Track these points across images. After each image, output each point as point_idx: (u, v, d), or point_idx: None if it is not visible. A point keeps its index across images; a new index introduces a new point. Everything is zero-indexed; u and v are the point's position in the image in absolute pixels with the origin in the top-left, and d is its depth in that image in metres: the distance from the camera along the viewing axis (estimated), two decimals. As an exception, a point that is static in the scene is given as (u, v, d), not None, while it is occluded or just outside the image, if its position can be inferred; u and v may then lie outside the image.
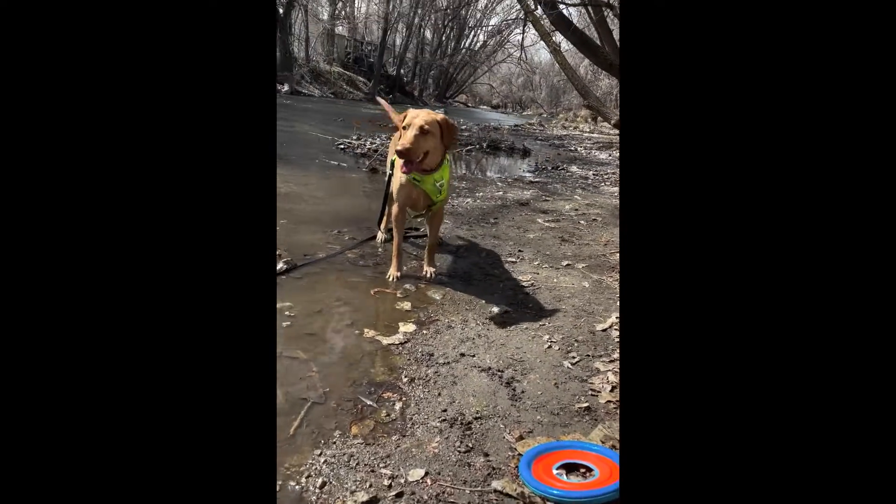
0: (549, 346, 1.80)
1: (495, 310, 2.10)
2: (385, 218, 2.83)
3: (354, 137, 6.98)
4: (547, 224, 3.64)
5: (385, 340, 1.78)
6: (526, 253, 2.93)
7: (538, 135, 14.05)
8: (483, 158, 8.09)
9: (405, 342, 1.78)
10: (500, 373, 1.61)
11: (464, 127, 12.26)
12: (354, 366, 1.60)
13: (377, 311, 2.05)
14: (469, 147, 8.37)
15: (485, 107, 39.78)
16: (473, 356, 1.71)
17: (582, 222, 3.77)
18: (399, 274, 2.36)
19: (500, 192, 4.76)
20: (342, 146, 6.47)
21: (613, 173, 6.84)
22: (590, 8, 11.86)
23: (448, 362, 1.67)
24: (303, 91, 19.85)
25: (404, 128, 2.10)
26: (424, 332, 1.88)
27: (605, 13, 11.68)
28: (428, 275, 2.41)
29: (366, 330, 1.83)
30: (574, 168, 7.23)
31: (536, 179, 5.89)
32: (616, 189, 5.52)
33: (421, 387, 1.52)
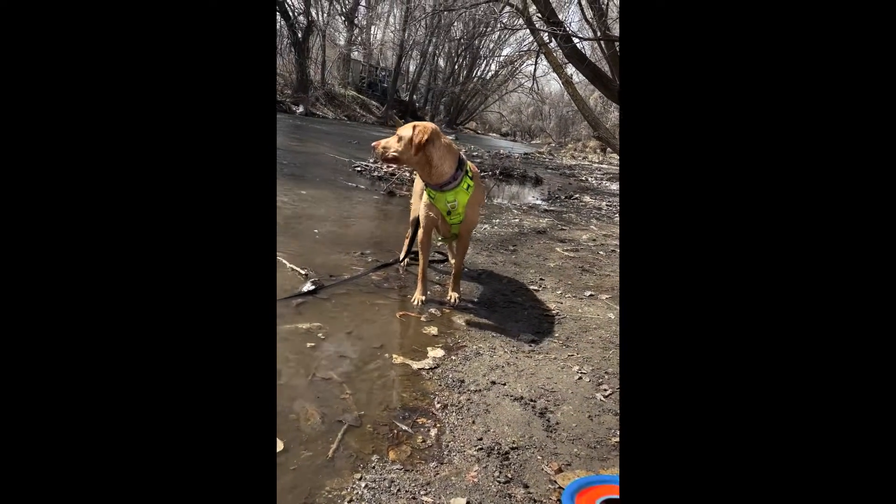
0: (580, 378, 1.79)
1: (523, 337, 2.10)
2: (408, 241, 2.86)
3: (371, 161, 7.08)
4: (566, 253, 3.66)
5: (415, 365, 1.78)
6: (548, 281, 2.94)
7: (548, 164, 14.20)
8: (495, 185, 8.17)
9: (435, 367, 1.78)
10: (532, 403, 1.60)
11: (475, 154, 12.44)
12: (387, 389, 1.60)
13: (405, 335, 2.05)
14: (482, 174, 8.46)
15: (494, 134, 40.32)
16: (504, 384, 1.71)
17: (601, 252, 3.78)
18: (424, 298, 2.37)
19: (517, 220, 4.80)
20: (359, 168, 6.57)
21: (626, 204, 6.87)
22: (602, 42, 12.16)
23: (479, 389, 1.66)
24: (317, 113, 20.24)
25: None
26: (453, 357, 1.88)
27: (617, 47, 11.96)
28: (452, 300, 2.41)
29: (394, 356, 1.83)
30: (587, 198, 7.28)
31: (551, 208, 5.93)
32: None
33: (455, 413, 1.51)
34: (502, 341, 2.05)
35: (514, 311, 2.42)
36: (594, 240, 4.24)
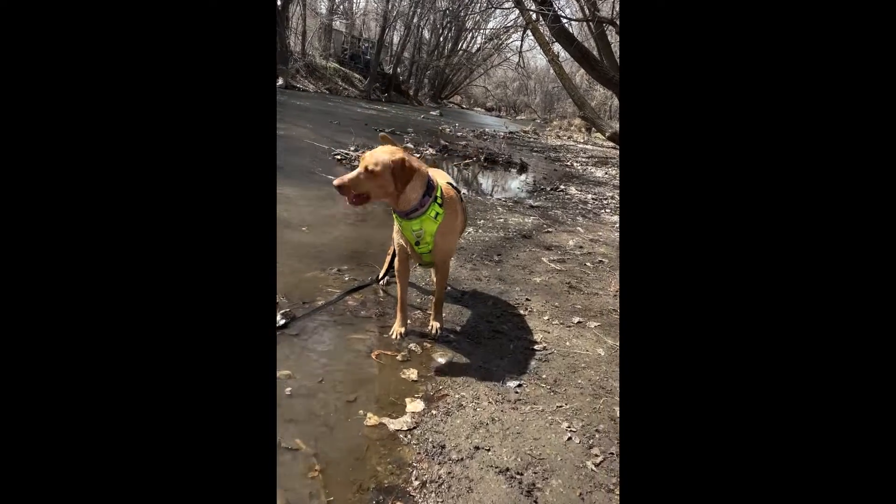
0: (570, 438, 1.67)
1: (508, 384, 1.96)
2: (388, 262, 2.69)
3: (352, 148, 6.80)
4: (553, 265, 3.52)
5: (392, 425, 1.63)
6: (534, 302, 2.80)
7: (533, 145, 13.98)
8: (480, 173, 7.98)
9: (413, 427, 1.64)
10: (519, 476, 1.48)
11: (460, 134, 12.15)
12: (360, 462, 1.45)
13: (382, 382, 1.90)
14: (467, 161, 8.25)
15: (479, 109, 39.72)
16: (489, 450, 1.57)
17: (588, 264, 3.65)
18: (403, 330, 2.22)
19: (502, 219, 4.64)
20: (339, 157, 6.29)
21: (612, 197, 6.76)
22: (590, 23, 11.83)
23: (462, 458, 1.53)
24: (297, 86, 19.52)
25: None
26: (434, 412, 1.74)
27: (606, 28, 11.64)
28: (433, 331, 2.26)
29: (369, 414, 1.68)
30: (573, 190, 7.14)
31: (536, 203, 5.78)
32: (616, 218, 5.43)
33: (434, 494, 1.38)
34: (487, 388, 1.92)
35: (500, 345, 2.28)
36: (581, 246, 4.11)
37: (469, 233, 4.01)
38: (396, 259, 2.21)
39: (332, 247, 3.20)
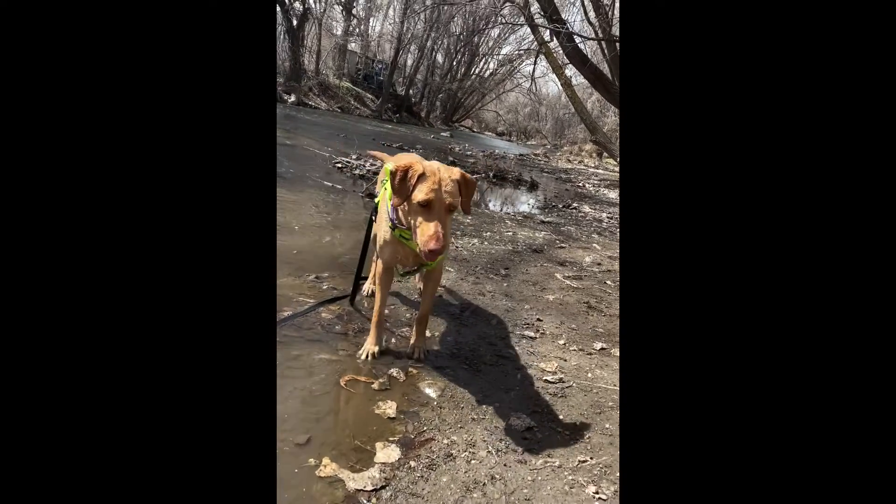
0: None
1: (515, 424, 1.50)
2: (369, 275, 2.26)
3: (354, 157, 6.46)
4: (568, 282, 3.07)
5: (351, 483, 1.17)
6: (547, 324, 2.35)
7: (544, 167, 13.66)
8: (489, 188, 7.59)
9: (381, 486, 1.18)
10: (527, 571, 1.01)
11: (469, 153, 11.84)
12: (296, 541, 1.00)
13: (347, 418, 1.44)
14: (476, 176, 7.86)
15: (490, 133, 39.73)
16: (485, 526, 1.11)
17: (608, 282, 3.20)
18: (377, 349, 1.77)
19: (510, 233, 4.21)
20: (340, 165, 5.94)
21: (629, 217, 6.32)
22: (604, 44, 11.62)
23: (445, 538, 1.06)
24: (310, 103, 19.46)
25: (423, 204, 1.41)
26: (412, 464, 1.27)
27: (619, 49, 11.42)
28: (415, 354, 1.81)
29: (324, 461, 1.23)
30: (586, 208, 6.71)
31: (548, 219, 5.35)
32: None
33: None
34: (486, 430, 1.46)
35: (504, 374, 1.82)
36: (599, 264, 3.66)
37: (473, 244, 3.58)
38: (380, 266, 1.78)
39: (313, 252, 2.77)
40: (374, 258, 2.28)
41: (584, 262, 3.64)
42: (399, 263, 1.75)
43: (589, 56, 12.78)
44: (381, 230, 1.71)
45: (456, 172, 1.48)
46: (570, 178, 11.39)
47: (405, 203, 1.48)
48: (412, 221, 1.47)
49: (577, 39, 11.41)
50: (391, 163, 1.78)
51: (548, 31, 11.91)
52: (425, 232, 1.40)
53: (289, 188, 4.25)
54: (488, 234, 4.03)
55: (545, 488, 1.25)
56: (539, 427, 1.51)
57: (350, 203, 4.23)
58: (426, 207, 1.41)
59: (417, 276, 2.33)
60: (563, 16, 11.38)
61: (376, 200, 1.91)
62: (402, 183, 1.44)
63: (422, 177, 1.42)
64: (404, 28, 25.93)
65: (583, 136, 25.37)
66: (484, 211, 5.24)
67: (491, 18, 21.75)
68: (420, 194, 1.41)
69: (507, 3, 13.67)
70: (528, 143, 35.34)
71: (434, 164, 1.47)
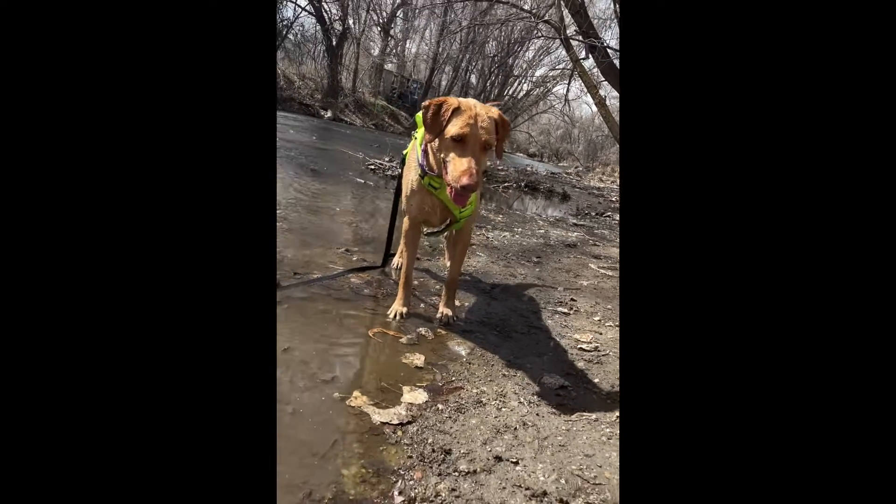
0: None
1: (547, 382, 1.43)
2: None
3: (386, 159, 6.53)
4: (602, 271, 2.97)
5: (377, 416, 1.13)
6: (581, 303, 2.26)
7: (576, 183, 13.51)
8: (520, 197, 7.53)
9: (408, 422, 1.13)
10: (563, 505, 0.93)
11: (500, 167, 11.83)
12: (321, 460, 0.95)
13: (375, 364, 1.40)
14: (506, 184, 7.83)
15: (521, 154, 39.73)
16: (516, 463, 1.04)
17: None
18: (406, 310, 1.73)
19: (542, 230, 4.13)
20: (373, 167, 6.01)
21: (665, 227, 6.15)
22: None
23: (475, 471, 1.00)
24: (345, 119, 19.93)
25: (456, 139, 1.35)
26: (440, 406, 1.22)
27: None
28: (443, 318, 1.75)
29: (354, 394, 1.19)
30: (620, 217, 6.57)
31: (581, 223, 5.24)
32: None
33: (424, 519, 0.86)
34: (517, 385, 1.39)
35: (536, 341, 1.75)
36: (635, 260, 3.55)
37: (504, 237, 3.53)
38: (408, 224, 1.74)
39: (343, 231, 2.78)
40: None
41: (618, 257, 3.53)
42: (426, 219, 1.71)
43: (624, 72, 12.71)
44: (408, 178, 1.68)
45: (494, 111, 1.44)
46: (602, 193, 11.21)
47: (437, 140, 1.41)
48: (443, 158, 1.40)
49: (612, 54, 11.39)
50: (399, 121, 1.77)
51: (582, 50, 11.95)
52: (458, 167, 1.33)
53: (325, 181, 4.31)
54: (520, 229, 3.97)
55: (581, 437, 1.17)
56: (573, 387, 1.43)
57: (382, 197, 4.25)
58: (460, 142, 1.35)
59: (445, 244, 2.30)
60: (598, 33, 11.40)
61: (405, 152, 1.89)
62: (436, 117, 1.39)
63: (457, 111, 1.37)
64: (440, 49, 26.49)
65: (615, 158, 25.07)
66: (514, 212, 5.18)
67: (526, 40, 22.00)
68: (454, 128, 1.35)
69: (543, 22, 13.81)
70: (560, 164, 35.17)
71: (470, 100, 1.42)
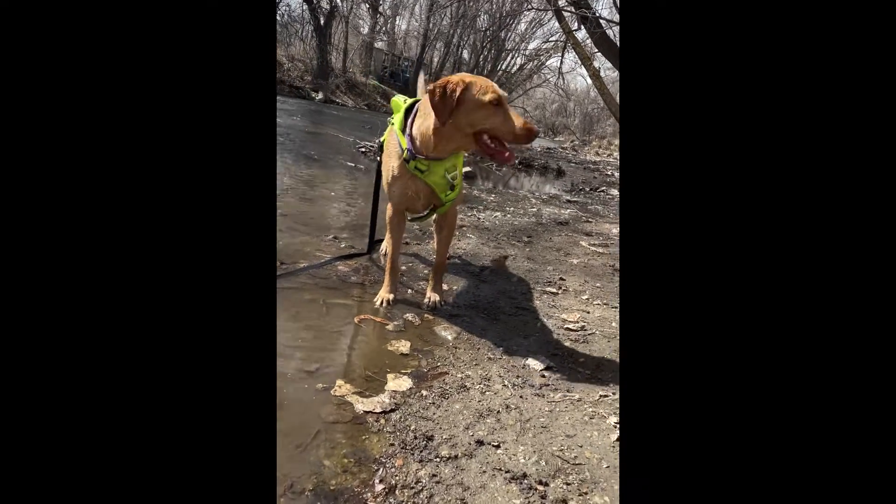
0: (619, 438, 1.13)
1: (532, 364, 1.44)
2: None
3: (377, 140, 6.47)
4: (593, 248, 2.97)
5: (360, 405, 1.14)
6: (570, 282, 2.27)
7: (571, 158, 13.43)
8: (513, 175, 7.48)
9: (391, 410, 1.14)
10: (541, 487, 0.95)
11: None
12: (301, 452, 0.96)
13: (360, 352, 1.41)
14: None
15: (517, 130, 39.29)
16: (498, 447, 1.05)
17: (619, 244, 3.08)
18: (392, 297, 1.73)
19: (535, 209, 4.12)
20: (363, 150, 5.96)
21: (659, 200, 6.13)
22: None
23: (455, 456, 1.01)
24: (337, 101, 19.66)
25: (494, 102, 1.40)
26: (424, 393, 1.23)
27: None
28: (430, 302, 1.76)
29: (338, 384, 1.20)
30: (614, 191, 6.54)
31: (574, 199, 5.22)
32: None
33: (404, 506, 0.87)
34: (502, 368, 1.40)
35: (524, 323, 1.76)
36: (627, 235, 3.55)
37: (495, 217, 3.52)
38: (391, 210, 1.74)
39: (331, 218, 2.77)
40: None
41: (610, 233, 3.52)
42: (409, 206, 1.70)
43: (617, 44, 12.50)
44: (389, 165, 1.66)
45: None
46: (598, 168, 11.15)
47: (449, 120, 1.42)
48: (483, 128, 1.44)
49: (605, 24, 11.17)
50: (398, 96, 1.75)
51: (575, 21, 11.71)
52: (516, 121, 1.41)
53: (316, 167, 4.27)
54: (511, 209, 3.96)
55: (563, 418, 1.19)
56: (558, 367, 1.45)
57: (370, 181, 4.22)
58: (498, 105, 1.41)
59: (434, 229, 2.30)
60: (590, 3, 11.17)
61: (381, 139, 1.87)
62: (444, 100, 1.39)
63: (470, 85, 1.41)
64: (430, 24, 26.00)
65: (612, 131, 24.88)
66: (507, 190, 5.16)
67: (517, 12, 21.56)
68: (487, 95, 1.40)
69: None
70: (556, 138, 34.85)
71: (467, 75, 1.46)
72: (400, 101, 1.74)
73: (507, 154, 1.47)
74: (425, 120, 1.51)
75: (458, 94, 1.39)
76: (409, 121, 1.59)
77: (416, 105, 1.63)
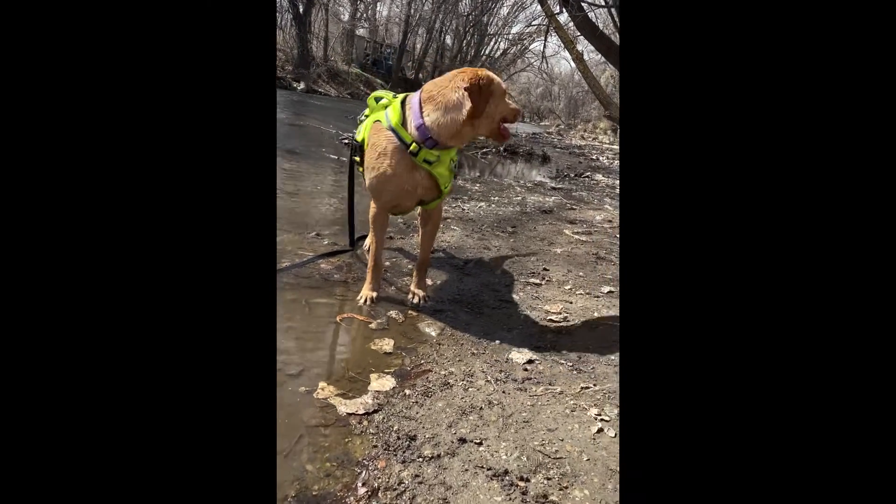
0: (600, 430, 1.15)
1: (515, 358, 1.45)
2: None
3: (354, 138, 6.41)
4: (577, 237, 2.99)
5: (343, 407, 1.14)
6: (554, 272, 2.28)
7: (556, 143, 13.43)
8: (499, 163, 7.47)
9: (374, 411, 1.15)
10: (523, 483, 0.96)
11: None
12: (283, 457, 0.97)
13: (343, 352, 1.41)
14: (484, 150, 7.75)
15: (502, 115, 39.16)
16: (480, 444, 1.07)
17: (619, 236, 3.11)
18: (375, 295, 1.73)
19: (519, 198, 4.12)
20: (346, 141, 5.89)
21: (643, 184, 6.17)
22: (615, 14, 11.28)
23: (438, 455, 1.02)
24: (319, 90, 19.38)
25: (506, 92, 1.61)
26: (407, 392, 1.24)
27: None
28: (415, 300, 1.76)
29: (321, 386, 1.20)
30: (599, 176, 6.57)
31: (559, 186, 5.24)
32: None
33: (386, 508, 0.88)
34: (485, 363, 1.41)
35: (507, 316, 1.77)
36: (610, 221, 3.57)
37: (480, 207, 3.52)
38: (376, 207, 1.72)
39: (315, 215, 2.75)
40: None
41: (594, 220, 3.55)
42: (398, 203, 1.68)
43: (600, 27, 12.44)
44: (379, 164, 1.60)
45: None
46: (583, 152, 11.18)
47: (485, 110, 1.53)
48: (500, 116, 1.58)
49: (586, 7, 11.10)
50: (376, 90, 1.74)
51: (557, 3, 11.61)
52: (512, 104, 1.61)
53: (299, 161, 4.23)
54: (496, 198, 3.96)
55: (545, 412, 1.20)
56: (541, 360, 1.46)
57: (357, 174, 4.19)
58: (505, 93, 1.59)
59: (419, 223, 2.30)
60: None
61: (359, 137, 1.82)
62: (481, 92, 1.51)
63: (492, 78, 1.55)
64: (412, 10, 25.62)
65: (597, 114, 24.85)
66: (492, 179, 5.15)
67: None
68: (502, 86, 1.57)
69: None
70: (542, 123, 34.80)
71: (474, 69, 1.58)
72: (389, 95, 1.70)
73: (502, 130, 1.63)
74: (447, 111, 1.51)
75: (491, 86, 1.53)
76: (415, 114, 1.56)
77: (409, 99, 1.60)
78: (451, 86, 1.52)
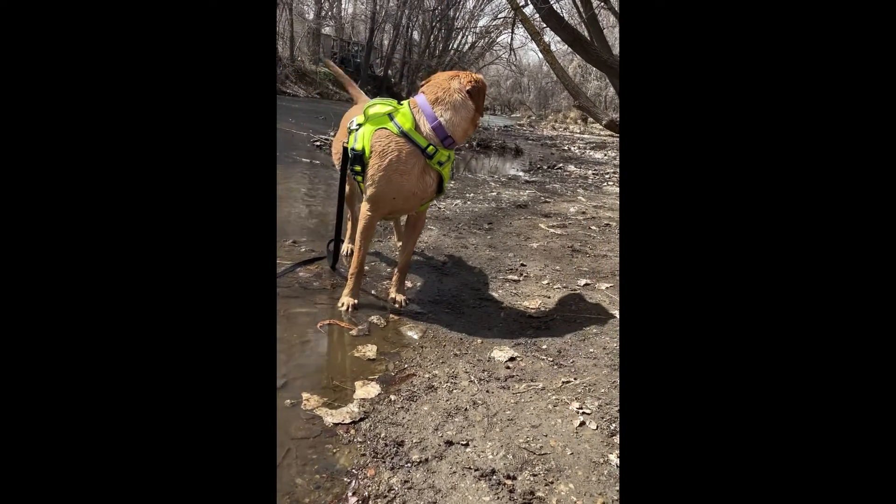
0: (582, 423, 1.19)
1: (497, 356, 1.48)
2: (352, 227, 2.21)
3: (331, 133, 6.35)
4: (552, 230, 3.04)
5: (329, 417, 1.15)
6: (531, 267, 2.32)
7: (528, 135, 13.52)
8: (473, 158, 7.50)
9: (360, 419, 1.16)
10: (510, 481, 0.99)
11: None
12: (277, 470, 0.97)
13: (327, 361, 1.42)
14: (457, 146, 7.75)
15: (473, 109, 39.13)
16: (466, 445, 1.09)
17: (593, 227, 3.17)
18: (355, 301, 1.73)
19: (494, 193, 4.16)
20: (318, 143, 5.84)
21: (614, 172, 6.29)
22: (580, 6, 11.38)
23: (426, 459, 1.04)
24: (287, 91, 19.05)
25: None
26: (392, 398, 1.25)
27: (597, 9, 11.17)
28: (396, 304, 1.78)
29: (306, 398, 1.20)
30: (571, 167, 6.66)
31: (533, 179, 5.30)
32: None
33: (378, 516, 0.90)
34: (468, 364, 1.43)
35: (487, 314, 1.80)
36: (584, 212, 3.63)
37: (456, 205, 3.54)
38: (372, 214, 1.68)
39: (290, 221, 2.72)
40: (348, 217, 2.24)
41: (568, 213, 3.60)
42: (408, 205, 1.67)
43: (565, 17, 12.54)
44: (396, 169, 1.58)
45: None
46: (555, 143, 11.29)
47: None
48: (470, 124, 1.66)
49: (551, 0, 11.18)
50: (354, 91, 1.75)
51: (522, -6, 11.65)
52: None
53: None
54: (471, 195, 3.98)
55: (528, 408, 1.23)
56: (522, 357, 1.49)
57: (333, 177, 4.16)
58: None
59: (394, 223, 2.33)
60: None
61: (359, 146, 1.76)
62: (480, 94, 1.64)
63: (484, 83, 1.69)
64: (377, 6, 25.38)
65: (567, 104, 25.10)
66: (467, 175, 5.18)
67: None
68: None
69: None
70: (513, 115, 34.95)
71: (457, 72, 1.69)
72: (394, 102, 1.68)
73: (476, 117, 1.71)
74: (457, 112, 1.60)
75: (484, 88, 1.67)
76: (428, 115, 1.58)
77: (414, 104, 1.61)
78: (453, 88, 1.61)
